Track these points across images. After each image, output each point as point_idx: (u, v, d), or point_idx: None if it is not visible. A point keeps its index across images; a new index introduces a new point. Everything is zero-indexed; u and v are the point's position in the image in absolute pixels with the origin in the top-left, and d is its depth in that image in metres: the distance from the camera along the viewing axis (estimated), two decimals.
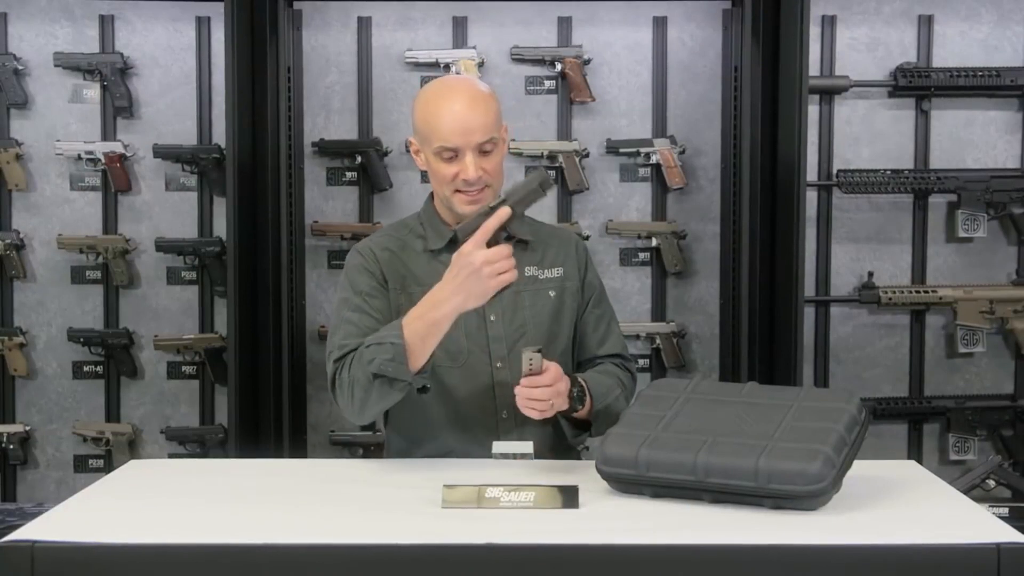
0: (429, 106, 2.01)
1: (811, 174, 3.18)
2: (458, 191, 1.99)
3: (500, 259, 1.83)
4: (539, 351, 1.88)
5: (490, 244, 1.84)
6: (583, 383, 2.02)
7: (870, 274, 3.23)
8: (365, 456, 3.26)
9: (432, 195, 2.13)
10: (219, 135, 3.29)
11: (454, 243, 2.08)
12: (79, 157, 3.29)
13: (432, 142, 1.98)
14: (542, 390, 1.90)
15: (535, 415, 1.92)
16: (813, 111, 3.20)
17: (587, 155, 3.30)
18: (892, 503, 1.65)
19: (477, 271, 1.82)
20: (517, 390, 1.90)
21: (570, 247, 2.17)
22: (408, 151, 2.14)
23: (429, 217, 2.12)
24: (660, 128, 3.32)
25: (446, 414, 2.04)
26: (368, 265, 2.07)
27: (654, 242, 3.31)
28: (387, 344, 1.87)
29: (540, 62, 3.30)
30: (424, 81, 3.24)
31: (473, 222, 1.86)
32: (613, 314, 2.22)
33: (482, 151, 1.98)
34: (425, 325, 1.87)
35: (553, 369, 1.92)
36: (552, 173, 1.86)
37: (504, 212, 1.84)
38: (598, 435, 2.05)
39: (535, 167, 1.86)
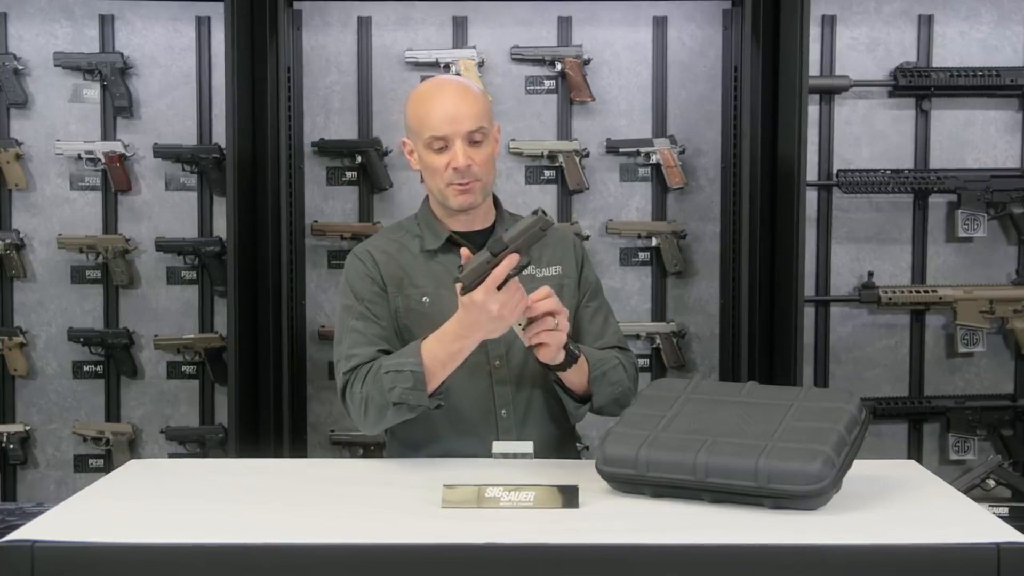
0: (420, 101, 2.05)
1: (811, 174, 3.18)
2: (450, 184, 2.02)
3: (513, 295, 1.84)
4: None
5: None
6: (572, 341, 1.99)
7: (870, 274, 3.24)
8: (365, 456, 3.26)
9: (427, 198, 2.14)
10: (219, 135, 3.29)
11: (450, 243, 2.09)
12: (79, 157, 3.29)
13: (423, 134, 2.01)
14: (550, 303, 1.88)
15: (545, 337, 1.88)
16: (813, 111, 3.21)
17: (587, 155, 3.30)
18: (892, 503, 1.65)
19: (497, 315, 1.84)
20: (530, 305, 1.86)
21: (567, 245, 2.18)
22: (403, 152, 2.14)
23: (425, 218, 2.13)
24: (660, 128, 3.32)
25: (445, 413, 2.04)
26: (368, 270, 2.09)
27: (654, 242, 3.31)
28: (407, 372, 1.91)
29: (540, 62, 3.30)
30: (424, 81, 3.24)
31: (476, 268, 1.82)
32: (610, 309, 2.22)
33: (472, 141, 2.00)
34: (447, 353, 1.91)
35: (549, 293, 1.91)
36: (550, 216, 1.87)
37: (512, 259, 1.81)
38: (600, 406, 2.06)
39: (536, 215, 1.86)
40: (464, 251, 1.88)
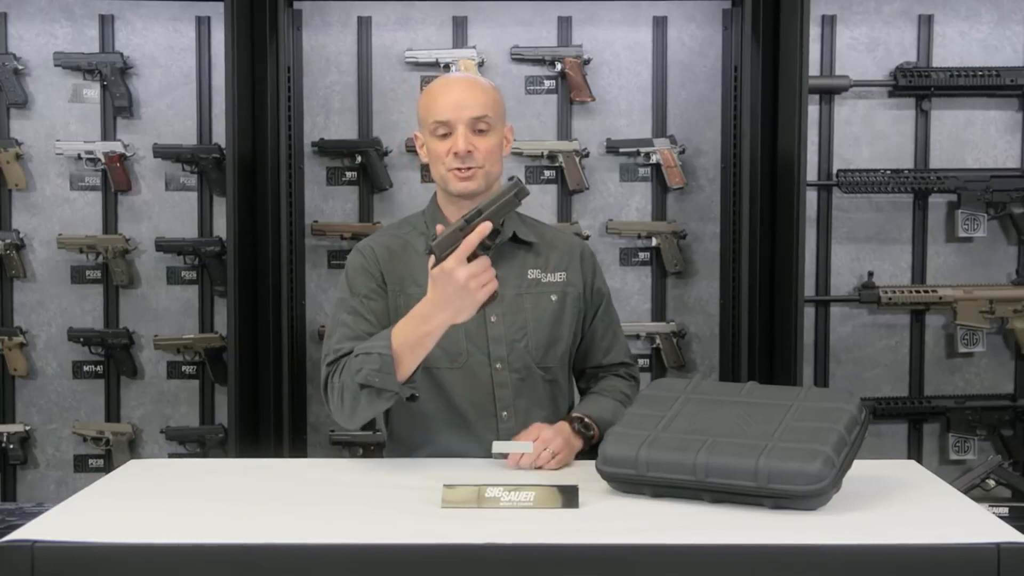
0: (429, 92, 2.08)
1: (811, 174, 3.18)
2: (451, 170, 2.02)
3: (483, 271, 1.80)
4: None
5: (469, 258, 1.79)
6: (581, 416, 2.03)
7: (870, 274, 3.23)
8: (365, 456, 3.26)
9: (436, 194, 2.14)
10: (219, 135, 3.29)
11: None
12: (79, 157, 3.29)
13: (428, 121, 2.03)
14: (543, 450, 1.92)
15: (554, 465, 1.93)
16: (813, 111, 3.20)
17: (587, 155, 3.30)
18: (892, 503, 1.66)
19: (464, 286, 1.78)
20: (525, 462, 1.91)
21: (575, 253, 2.17)
22: (410, 150, 2.15)
23: (433, 214, 2.13)
24: (660, 128, 3.32)
25: (446, 415, 2.04)
26: (368, 266, 2.08)
27: (654, 242, 3.31)
28: (375, 355, 1.88)
29: (540, 62, 3.30)
30: (424, 81, 3.25)
31: (449, 237, 1.79)
32: (618, 321, 2.23)
33: (477, 130, 2.01)
34: (415, 336, 1.86)
35: (534, 431, 1.96)
36: (526, 185, 1.81)
37: (485, 227, 1.77)
38: None
39: (512, 180, 1.82)
40: (439, 226, 1.85)
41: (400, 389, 1.89)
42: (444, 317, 1.84)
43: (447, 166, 2.02)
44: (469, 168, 2.01)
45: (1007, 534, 1.47)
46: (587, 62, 3.28)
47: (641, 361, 3.32)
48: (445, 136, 2.01)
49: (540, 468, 1.91)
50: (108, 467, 3.27)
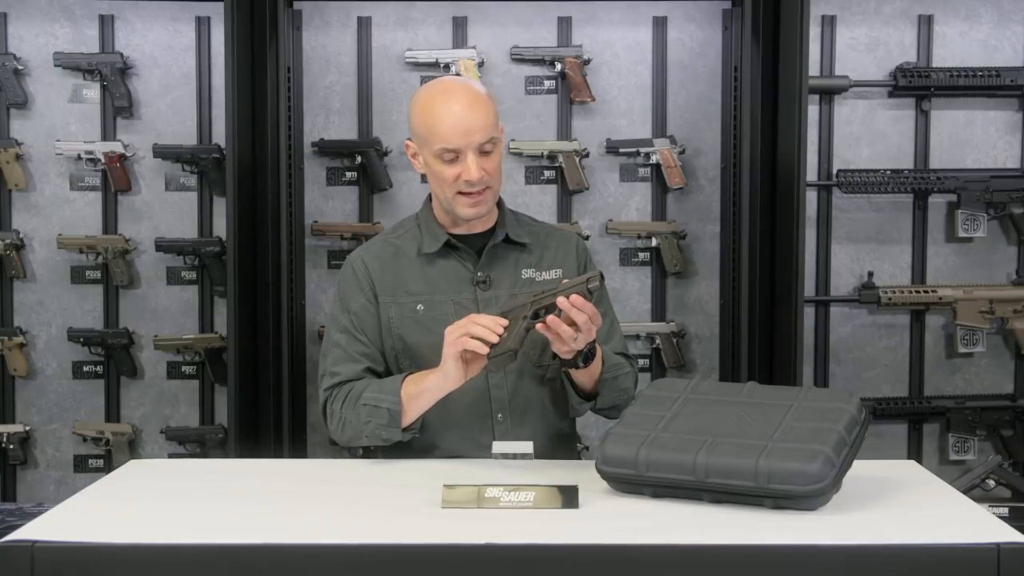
0: (428, 108, 2.01)
1: (811, 174, 3.18)
2: (460, 193, 2.00)
3: (468, 324, 1.87)
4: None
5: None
6: (595, 343, 1.99)
7: (870, 274, 3.24)
8: (365, 456, 3.26)
9: (429, 197, 2.13)
10: (219, 135, 3.29)
11: (449, 247, 2.08)
12: (79, 157, 3.29)
13: (433, 144, 1.98)
14: (583, 316, 1.84)
15: (562, 347, 1.88)
16: (813, 111, 3.20)
17: (587, 155, 3.30)
18: (892, 503, 1.66)
19: (445, 341, 1.89)
20: (561, 302, 1.83)
21: (569, 247, 2.17)
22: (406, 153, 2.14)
23: (426, 220, 2.12)
24: (660, 128, 3.32)
25: (442, 417, 2.03)
26: (359, 280, 2.09)
27: (654, 242, 3.31)
28: (384, 409, 1.95)
29: (540, 62, 3.30)
30: (424, 81, 3.24)
31: (516, 308, 1.92)
32: (615, 316, 2.21)
33: (482, 151, 1.99)
34: (416, 389, 1.96)
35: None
36: (598, 283, 1.85)
37: (502, 321, 1.88)
38: (602, 407, 2.07)
39: (590, 280, 1.85)
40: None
41: (403, 437, 1.98)
42: (436, 375, 1.93)
43: (455, 190, 2.00)
44: (480, 192, 2.00)
45: (1007, 534, 1.47)
46: (587, 62, 3.29)
47: (641, 361, 3.32)
48: (452, 161, 1.98)
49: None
50: (108, 467, 3.27)
